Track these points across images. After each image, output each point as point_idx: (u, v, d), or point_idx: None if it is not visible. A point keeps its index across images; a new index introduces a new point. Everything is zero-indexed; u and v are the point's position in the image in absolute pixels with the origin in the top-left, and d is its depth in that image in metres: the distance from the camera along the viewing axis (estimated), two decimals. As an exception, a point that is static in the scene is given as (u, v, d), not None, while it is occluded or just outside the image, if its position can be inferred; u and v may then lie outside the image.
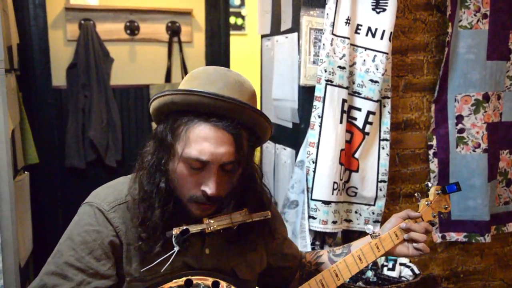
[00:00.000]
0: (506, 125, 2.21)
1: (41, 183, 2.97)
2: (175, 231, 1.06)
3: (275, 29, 2.25)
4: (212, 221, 1.09)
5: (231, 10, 4.46)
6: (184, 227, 1.06)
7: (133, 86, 3.31)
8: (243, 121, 1.06)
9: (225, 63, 3.55)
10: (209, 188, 1.06)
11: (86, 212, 1.11)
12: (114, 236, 1.08)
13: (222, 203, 1.12)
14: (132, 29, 3.27)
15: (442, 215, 1.41)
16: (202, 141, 1.04)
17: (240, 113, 1.05)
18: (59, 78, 3.14)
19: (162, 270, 1.09)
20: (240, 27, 4.87)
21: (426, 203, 1.38)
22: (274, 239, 1.31)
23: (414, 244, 1.30)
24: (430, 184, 1.43)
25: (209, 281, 1.12)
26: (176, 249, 1.06)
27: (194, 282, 1.10)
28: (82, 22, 3.14)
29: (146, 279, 1.09)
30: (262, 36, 2.44)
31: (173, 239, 1.05)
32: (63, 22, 3.15)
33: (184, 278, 1.10)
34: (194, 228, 1.07)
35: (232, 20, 4.70)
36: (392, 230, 1.31)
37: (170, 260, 1.07)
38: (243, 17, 4.86)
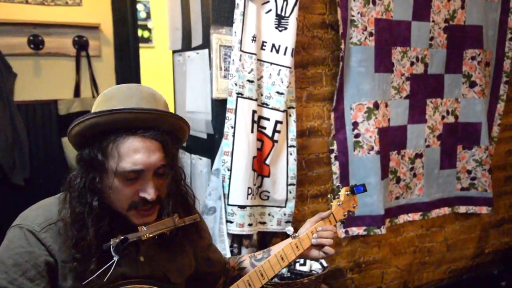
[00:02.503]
0: (393, 129, 2.49)
1: None
2: (113, 241, 1.07)
3: (186, 45, 2.34)
4: (146, 229, 1.12)
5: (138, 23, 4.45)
6: (122, 237, 1.08)
7: (40, 101, 3.19)
8: (166, 128, 1.14)
9: (136, 76, 3.53)
10: (148, 194, 1.11)
11: (16, 235, 1.10)
12: (47, 255, 1.08)
13: (162, 204, 1.17)
14: (36, 44, 3.16)
15: (350, 213, 1.59)
16: (134, 153, 1.09)
17: (163, 121, 1.13)
18: (-46, 95, 2.94)
19: (99, 281, 1.10)
20: (147, 40, 4.86)
21: (338, 203, 1.55)
22: (201, 238, 1.39)
23: (322, 249, 1.47)
24: (340, 186, 1.62)
25: None
26: (115, 258, 1.07)
27: None
28: (-20, 35, 2.98)
29: None
30: (174, 52, 2.51)
31: (112, 250, 1.06)
32: (-42, 35, 2.98)
33: None
34: (131, 236, 1.09)
35: (139, 33, 4.68)
36: (309, 230, 1.47)
37: (110, 271, 1.08)
38: (149, 30, 4.86)
